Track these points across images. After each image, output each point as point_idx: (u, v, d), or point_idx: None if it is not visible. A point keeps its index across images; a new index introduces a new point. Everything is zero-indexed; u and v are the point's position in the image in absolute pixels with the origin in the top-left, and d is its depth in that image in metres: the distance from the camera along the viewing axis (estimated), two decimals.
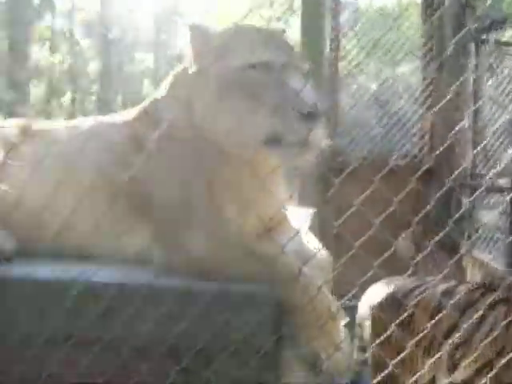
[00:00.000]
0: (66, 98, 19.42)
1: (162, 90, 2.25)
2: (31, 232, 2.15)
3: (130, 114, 2.31)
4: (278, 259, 1.88)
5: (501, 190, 5.47)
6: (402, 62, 7.94)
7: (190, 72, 2.10)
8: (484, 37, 5.57)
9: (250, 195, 2.05)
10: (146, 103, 2.29)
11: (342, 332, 1.93)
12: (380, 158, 6.24)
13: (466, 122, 5.98)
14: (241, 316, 1.86)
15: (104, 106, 17.67)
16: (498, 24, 5.24)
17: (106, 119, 2.41)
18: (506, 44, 5.60)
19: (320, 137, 1.95)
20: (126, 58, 19.14)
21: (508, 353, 2.62)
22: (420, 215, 1.99)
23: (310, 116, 1.88)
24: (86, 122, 2.42)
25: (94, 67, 20.76)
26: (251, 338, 1.85)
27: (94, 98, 20.49)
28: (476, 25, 5.48)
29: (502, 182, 5.53)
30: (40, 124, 2.60)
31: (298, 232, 2.15)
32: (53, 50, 17.42)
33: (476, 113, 6.06)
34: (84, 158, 2.19)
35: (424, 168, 6.31)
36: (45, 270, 2.04)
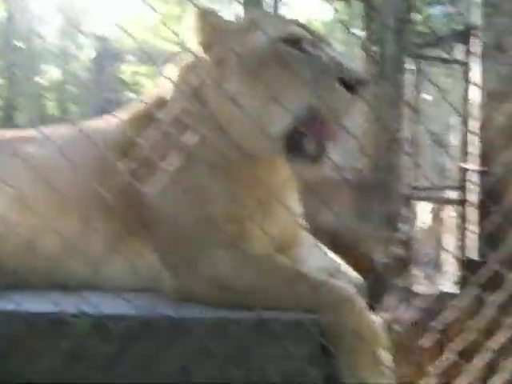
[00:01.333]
0: None
1: (166, 88, 1.99)
2: (18, 261, 1.82)
3: (126, 115, 2.02)
4: (321, 280, 1.67)
5: (449, 202, 5.54)
6: None
7: (201, 62, 1.84)
8: (425, 53, 5.65)
9: (271, 205, 1.84)
10: (146, 103, 2.00)
11: (389, 358, 1.75)
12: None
13: (405, 135, 6.04)
14: (281, 348, 1.64)
15: (6, 122, 16.73)
16: (443, 41, 5.32)
17: (91, 124, 2.12)
18: (445, 61, 5.71)
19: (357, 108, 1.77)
20: (31, 71, 18.18)
21: None
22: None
23: (357, 84, 1.71)
24: (66, 129, 2.10)
25: None
26: (293, 373, 1.63)
27: None
28: (418, 40, 5.54)
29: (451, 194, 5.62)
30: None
31: (320, 247, 1.97)
32: None
33: (415, 126, 6.13)
34: (68, 171, 1.89)
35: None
36: (37, 303, 1.72)
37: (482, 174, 4.87)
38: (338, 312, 1.64)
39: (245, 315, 1.65)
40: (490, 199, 4.80)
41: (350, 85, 1.71)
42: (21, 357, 1.67)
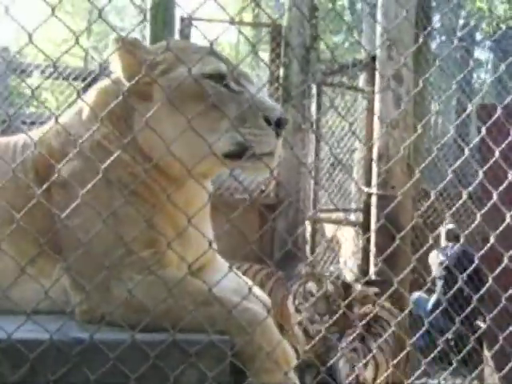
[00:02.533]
0: None
1: (84, 111, 1.99)
2: None
3: (43, 134, 1.98)
4: (234, 303, 1.73)
5: (350, 224, 5.75)
6: None
7: (121, 88, 1.82)
8: (329, 80, 5.88)
9: (187, 230, 1.87)
10: (62, 123, 1.98)
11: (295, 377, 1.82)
12: (227, 192, 6.27)
13: (308, 158, 6.24)
14: (194, 369, 1.68)
15: None
16: (345, 69, 5.56)
17: (7, 141, 2.07)
18: (348, 87, 5.97)
19: (280, 145, 1.87)
20: None
21: None
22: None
23: (278, 123, 1.80)
24: None
25: None
26: None
27: None
28: (322, 67, 5.76)
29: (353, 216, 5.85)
30: None
31: (232, 269, 2.02)
32: None
33: (317, 150, 6.34)
34: None
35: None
36: None
37: (381, 197, 5.11)
38: (250, 333, 1.70)
39: (158, 337, 1.68)
40: (386, 221, 5.04)
41: (273, 123, 1.80)
42: None
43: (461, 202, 1.99)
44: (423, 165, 2.18)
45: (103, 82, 2.04)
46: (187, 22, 5.79)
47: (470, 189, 1.95)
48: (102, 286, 1.76)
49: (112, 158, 1.67)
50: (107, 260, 1.74)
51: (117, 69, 1.91)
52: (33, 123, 8.53)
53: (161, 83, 1.86)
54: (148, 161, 1.87)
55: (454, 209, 1.99)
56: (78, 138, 1.76)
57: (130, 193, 1.77)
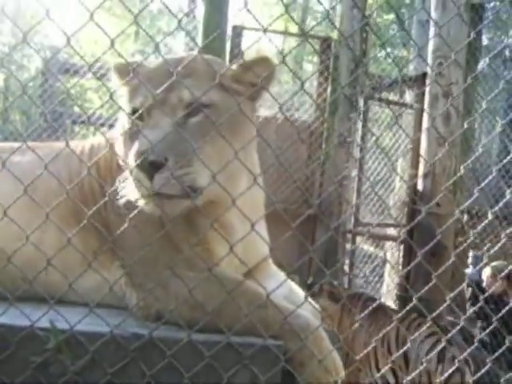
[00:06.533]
0: None
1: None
2: None
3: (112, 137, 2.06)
4: (289, 309, 1.77)
5: (389, 239, 5.72)
6: None
7: None
8: (376, 95, 5.88)
9: (238, 234, 1.92)
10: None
11: None
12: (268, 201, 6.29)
13: (352, 172, 6.24)
14: (246, 371, 1.72)
15: None
16: (394, 84, 5.56)
17: (81, 144, 2.17)
18: (395, 103, 5.96)
19: (174, 182, 1.71)
20: None
21: None
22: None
23: (151, 165, 1.69)
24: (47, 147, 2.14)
25: None
26: None
27: None
28: (370, 82, 5.77)
29: (390, 231, 5.82)
30: None
31: (285, 277, 2.06)
32: None
33: (361, 163, 6.35)
34: (51, 187, 1.94)
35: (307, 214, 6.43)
36: (10, 316, 1.71)
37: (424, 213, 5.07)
38: (303, 340, 1.73)
39: (214, 337, 1.73)
40: (428, 238, 4.99)
41: (147, 167, 1.69)
42: None
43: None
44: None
45: None
46: (239, 31, 5.87)
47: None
48: (158, 284, 1.81)
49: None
50: (163, 261, 1.82)
51: None
52: (74, 122, 8.75)
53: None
54: None
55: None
56: None
57: None
